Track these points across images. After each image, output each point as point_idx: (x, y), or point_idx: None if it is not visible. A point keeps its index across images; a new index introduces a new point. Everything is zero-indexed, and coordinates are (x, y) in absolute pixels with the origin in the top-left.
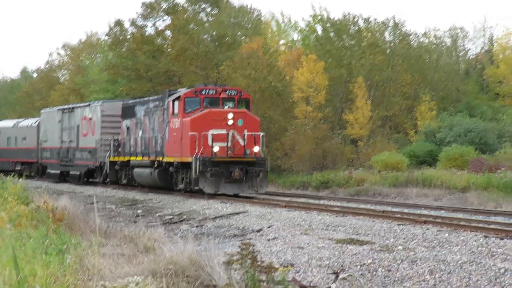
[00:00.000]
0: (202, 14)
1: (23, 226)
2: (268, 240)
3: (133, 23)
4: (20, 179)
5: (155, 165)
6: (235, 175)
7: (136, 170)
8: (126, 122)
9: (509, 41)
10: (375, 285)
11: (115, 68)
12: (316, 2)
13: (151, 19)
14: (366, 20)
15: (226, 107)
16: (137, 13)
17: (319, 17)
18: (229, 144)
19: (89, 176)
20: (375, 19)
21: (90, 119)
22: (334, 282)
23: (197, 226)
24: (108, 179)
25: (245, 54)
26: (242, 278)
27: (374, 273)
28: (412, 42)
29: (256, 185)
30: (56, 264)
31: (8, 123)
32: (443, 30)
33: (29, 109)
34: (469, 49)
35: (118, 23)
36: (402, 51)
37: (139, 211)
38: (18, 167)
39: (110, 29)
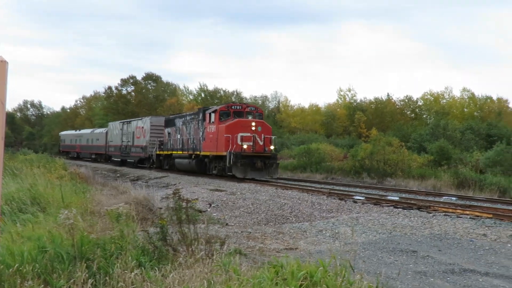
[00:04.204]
0: (149, 85)
1: (64, 180)
2: (178, 189)
3: (116, 88)
4: (62, 158)
5: (193, 157)
6: (258, 165)
7: (177, 160)
8: (167, 130)
9: (287, 102)
10: (228, 209)
11: (107, 109)
12: (202, 81)
13: (125, 86)
14: (224, 91)
15: (249, 118)
16: (118, 83)
17: (203, 88)
18: (253, 143)
19: (140, 163)
20: (228, 90)
21: (142, 127)
22: (209, 207)
23: (145, 182)
24: (154, 165)
25: (169, 104)
26: (174, 204)
27: (227, 204)
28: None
29: (271, 172)
30: (81, 198)
31: (87, 130)
32: (258, 96)
33: (65, 127)
34: (269, 106)
35: (109, 88)
36: None
37: (118, 174)
38: (93, 156)
39: (105, 90)
